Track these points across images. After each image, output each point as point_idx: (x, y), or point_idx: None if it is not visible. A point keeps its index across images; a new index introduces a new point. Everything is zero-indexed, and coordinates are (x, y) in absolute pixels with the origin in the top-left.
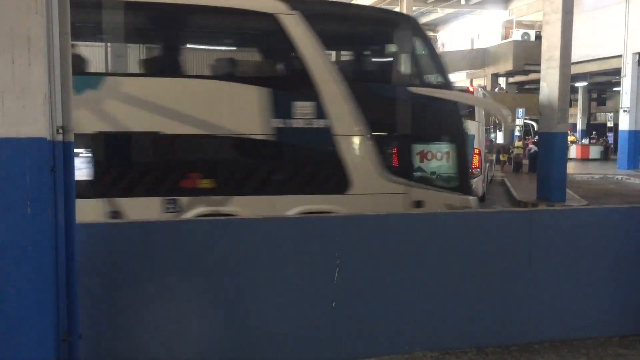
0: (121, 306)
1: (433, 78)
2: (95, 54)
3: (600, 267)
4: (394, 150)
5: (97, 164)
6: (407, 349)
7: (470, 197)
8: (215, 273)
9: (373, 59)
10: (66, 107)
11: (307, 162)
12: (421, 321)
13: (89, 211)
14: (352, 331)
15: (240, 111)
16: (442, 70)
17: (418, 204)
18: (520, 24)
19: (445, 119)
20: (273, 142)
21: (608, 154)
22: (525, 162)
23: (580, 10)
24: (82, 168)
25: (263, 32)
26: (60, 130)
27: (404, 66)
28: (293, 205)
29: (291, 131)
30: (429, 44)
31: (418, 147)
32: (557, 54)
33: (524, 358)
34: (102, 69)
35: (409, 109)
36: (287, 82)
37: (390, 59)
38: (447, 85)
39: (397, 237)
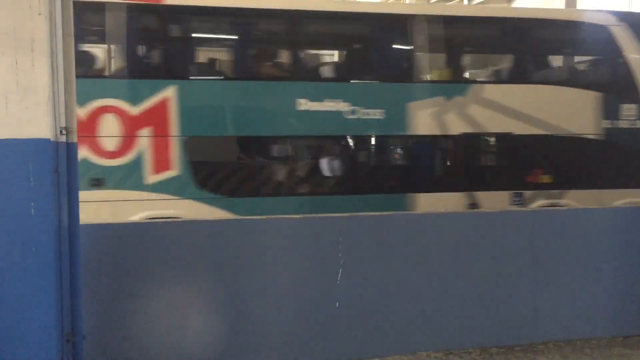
0: (124, 306)
1: None
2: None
3: (604, 267)
4: None
5: (457, 163)
6: (411, 349)
7: None
8: (217, 273)
9: None
10: (69, 109)
11: (631, 159)
12: (425, 321)
13: (453, 203)
14: (355, 331)
15: (575, 113)
16: None
17: None
18: None
19: None
20: (602, 141)
21: None
22: None
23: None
24: (447, 166)
25: (595, 41)
26: (64, 132)
27: None
28: (617, 198)
29: (617, 131)
30: None
31: None
32: None
33: (527, 358)
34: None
35: None
36: (615, 86)
37: None
38: None
39: (401, 237)
